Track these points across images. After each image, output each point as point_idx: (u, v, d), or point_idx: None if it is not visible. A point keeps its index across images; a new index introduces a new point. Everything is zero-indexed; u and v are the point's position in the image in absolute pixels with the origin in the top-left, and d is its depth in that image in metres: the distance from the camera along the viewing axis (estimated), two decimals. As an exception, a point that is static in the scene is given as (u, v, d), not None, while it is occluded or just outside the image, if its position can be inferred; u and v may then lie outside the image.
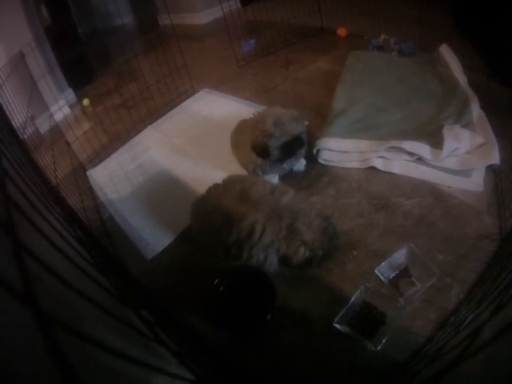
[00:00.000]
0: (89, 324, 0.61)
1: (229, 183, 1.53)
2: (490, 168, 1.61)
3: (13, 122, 1.76)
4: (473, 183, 1.55)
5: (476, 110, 1.82)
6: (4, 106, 1.77)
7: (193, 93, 3.06)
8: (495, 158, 1.59)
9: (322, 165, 1.88)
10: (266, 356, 1.20)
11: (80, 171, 2.39)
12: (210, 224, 1.41)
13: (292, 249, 1.27)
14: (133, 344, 0.71)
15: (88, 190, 2.24)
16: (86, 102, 3.69)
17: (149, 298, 1.39)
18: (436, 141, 1.69)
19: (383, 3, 3.24)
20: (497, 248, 1.27)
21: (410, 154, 1.71)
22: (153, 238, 1.79)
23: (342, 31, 3.04)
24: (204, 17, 4.62)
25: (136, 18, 6.25)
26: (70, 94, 3.73)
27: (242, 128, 2.02)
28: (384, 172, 1.73)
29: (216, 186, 1.56)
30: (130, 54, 3.23)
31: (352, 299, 1.20)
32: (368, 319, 1.16)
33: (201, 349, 1.17)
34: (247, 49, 3.33)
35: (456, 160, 1.65)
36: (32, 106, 2.42)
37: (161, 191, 2.10)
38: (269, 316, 1.20)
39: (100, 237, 1.75)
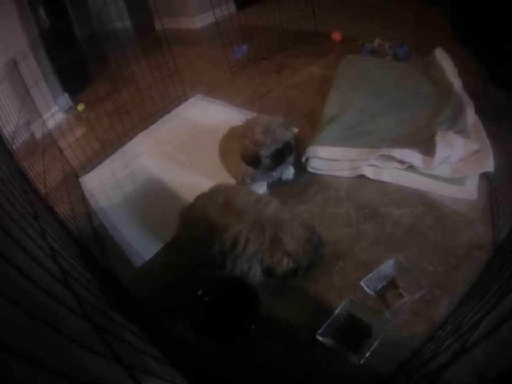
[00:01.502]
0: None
1: (214, 192, 1.53)
2: (485, 176, 1.58)
3: (5, 130, 1.77)
4: (467, 191, 1.52)
5: (470, 116, 1.80)
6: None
7: (186, 99, 3.05)
8: (489, 165, 1.56)
9: (312, 173, 1.86)
10: (251, 365, 1.20)
11: (72, 178, 2.40)
12: (196, 234, 1.42)
13: (275, 260, 1.27)
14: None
15: (80, 197, 2.25)
16: (80, 107, 3.68)
17: (137, 307, 1.42)
18: (428, 148, 1.66)
19: (379, 5, 3.26)
20: (489, 259, 1.24)
21: (401, 162, 1.69)
22: (142, 246, 1.80)
23: (336, 35, 3.03)
24: (198, 21, 4.62)
25: (133, 23, 6.27)
26: (66, 99, 3.72)
27: (230, 136, 2.00)
28: (374, 180, 1.71)
29: (202, 195, 1.55)
30: (125, 59, 3.23)
31: (337, 311, 1.18)
32: (353, 332, 1.15)
33: (187, 358, 1.18)
34: (239, 54, 3.33)
35: (449, 167, 1.62)
36: (26, 112, 2.43)
37: (151, 199, 2.11)
38: (253, 326, 1.21)
39: (90, 244, 1.76)
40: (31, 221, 0.76)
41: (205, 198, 1.51)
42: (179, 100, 3.02)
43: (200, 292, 1.35)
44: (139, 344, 0.84)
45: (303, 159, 1.88)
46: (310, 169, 1.87)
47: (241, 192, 1.46)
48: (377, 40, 2.56)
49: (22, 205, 0.80)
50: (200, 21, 4.59)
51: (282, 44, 3.25)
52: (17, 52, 2.48)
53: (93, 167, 2.52)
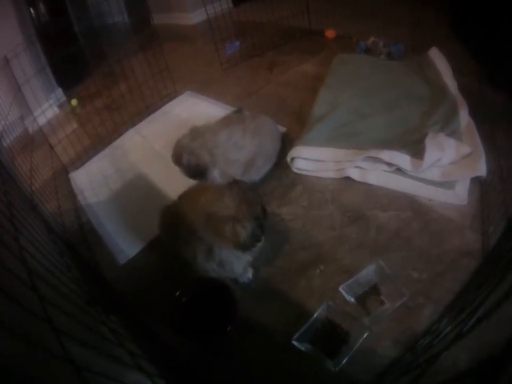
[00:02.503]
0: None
1: (194, 191, 1.46)
2: (476, 180, 1.53)
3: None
4: (457, 196, 1.47)
5: (464, 117, 1.75)
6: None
7: (176, 96, 3.01)
8: (481, 169, 1.51)
9: (296, 173, 1.82)
10: (228, 367, 1.19)
11: (62, 174, 2.41)
12: (176, 233, 1.36)
13: (230, 234, 1.20)
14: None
15: (68, 193, 2.26)
16: (74, 102, 3.67)
17: (121, 303, 1.48)
18: (417, 150, 1.61)
19: (376, 5, 3.22)
20: (477, 267, 1.18)
21: (389, 164, 1.63)
22: (126, 244, 1.81)
23: (330, 33, 2.98)
24: (194, 17, 4.56)
25: (131, 17, 6.23)
26: (59, 94, 3.70)
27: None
28: (360, 182, 1.66)
29: (184, 194, 1.50)
30: (119, 54, 3.20)
31: (314, 316, 1.15)
32: (331, 338, 1.12)
33: (165, 357, 1.22)
34: (231, 51, 3.28)
35: (439, 171, 1.57)
36: (20, 107, 2.44)
37: (137, 196, 2.11)
38: (229, 327, 1.22)
39: (76, 241, 1.80)
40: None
41: (186, 196, 1.46)
42: (169, 97, 3.00)
43: (178, 293, 1.35)
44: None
45: (288, 159, 1.83)
46: (294, 170, 1.82)
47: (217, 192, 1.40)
48: (371, 38, 2.51)
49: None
50: (196, 17, 4.53)
51: (275, 41, 3.21)
52: (11, 46, 2.45)
53: (83, 163, 2.51)
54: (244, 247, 1.21)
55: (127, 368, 0.75)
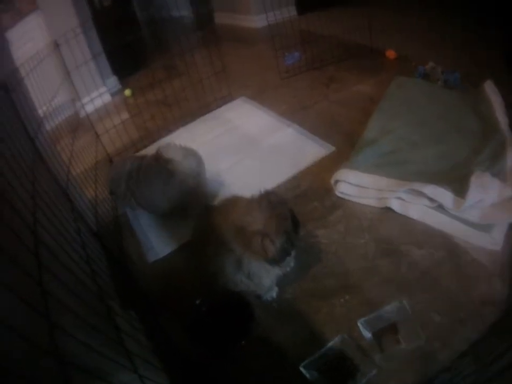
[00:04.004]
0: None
1: (227, 203, 1.54)
2: (515, 225, 1.55)
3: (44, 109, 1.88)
4: (492, 240, 1.50)
5: (511, 158, 1.76)
6: (34, 95, 1.89)
7: (230, 100, 3.12)
8: (522, 214, 1.53)
9: (339, 197, 1.89)
10: (236, 379, 1.28)
11: (106, 163, 2.53)
12: (207, 242, 1.43)
13: (259, 248, 1.27)
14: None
15: None
16: (127, 92, 3.83)
17: (143, 301, 1.57)
18: (460, 188, 1.64)
19: (437, 28, 3.21)
20: (497, 319, 1.22)
21: (431, 200, 1.67)
22: (159, 243, 1.92)
23: (390, 54, 3.01)
24: (258, 21, 4.65)
25: (194, 13, 6.41)
26: (113, 82, 3.93)
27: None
28: (399, 214, 1.71)
29: (219, 205, 1.57)
30: (179, 49, 3.35)
31: (327, 346, 1.22)
32: (339, 370, 1.18)
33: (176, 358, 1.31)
34: (290, 62, 3.36)
35: (479, 212, 1.60)
36: (71, 91, 2.55)
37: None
38: (243, 342, 1.33)
39: (108, 232, 1.89)
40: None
41: (219, 207, 1.54)
42: (224, 100, 3.11)
43: (198, 301, 1.46)
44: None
45: (332, 182, 1.90)
46: (337, 193, 1.89)
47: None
48: (430, 63, 2.53)
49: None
50: (260, 20, 4.63)
51: (336, 56, 3.26)
52: (65, 29, 2.60)
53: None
54: (273, 261, 1.28)
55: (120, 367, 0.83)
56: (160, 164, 1.90)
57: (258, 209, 1.31)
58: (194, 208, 1.84)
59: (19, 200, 0.92)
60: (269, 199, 1.34)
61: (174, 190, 1.90)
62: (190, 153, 2.01)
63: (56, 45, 2.38)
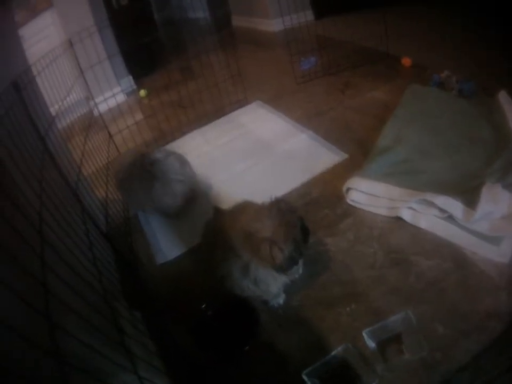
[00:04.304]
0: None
1: (238, 209, 1.57)
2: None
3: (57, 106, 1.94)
4: (500, 252, 1.51)
5: (523, 169, 1.77)
6: (46, 93, 1.95)
7: (245, 104, 3.17)
8: (532, 228, 1.54)
9: (350, 204, 1.91)
10: (240, 383, 1.33)
11: None
12: (215, 247, 1.47)
13: (267, 256, 1.29)
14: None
15: None
16: (142, 93, 3.91)
17: (150, 303, 1.62)
18: (471, 199, 1.65)
19: (453, 37, 3.21)
20: (502, 331, 1.24)
21: (442, 210, 1.69)
22: (167, 245, 1.97)
23: (406, 61, 3.01)
24: (275, 24, 4.68)
25: (211, 15, 6.48)
26: (128, 82, 4.01)
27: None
28: (410, 224, 1.73)
29: (230, 210, 1.60)
30: (196, 51, 3.40)
31: (331, 354, 1.24)
32: (341, 378, 1.20)
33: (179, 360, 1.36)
34: (306, 67, 3.40)
35: (488, 224, 1.61)
36: (85, 90, 2.61)
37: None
38: (247, 347, 1.37)
39: (118, 233, 1.95)
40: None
41: (229, 213, 1.57)
42: (239, 104, 3.17)
43: (204, 305, 1.51)
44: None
45: (344, 189, 1.93)
46: (349, 201, 1.92)
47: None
48: (445, 72, 2.54)
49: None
50: (278, 24, 4.67)
51: (352, 61, 3.28)
52: (83, 28, 2.67)
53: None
54: (281, 269, 1.31)
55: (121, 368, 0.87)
56: (144, 166, 2.01)
57: (268, 216, 1.34)
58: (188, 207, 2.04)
59: (24, 198, 0.97)
60: (279, 207, 1.37)
61: (157, 190, 2.00)
62: (172, 154, 2.12)
63: (70, 44, 2.44)
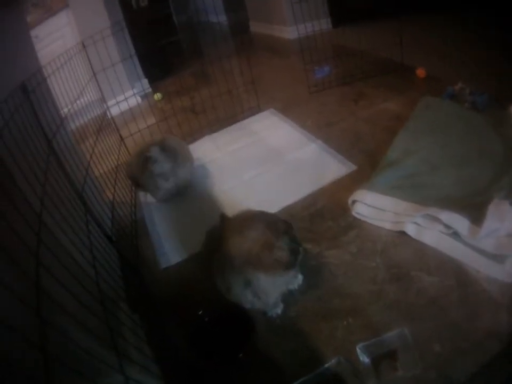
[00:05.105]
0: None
1: (238, 217, 1.59)
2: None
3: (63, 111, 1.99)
4: (503, 271, 1.50)
5: (531, 186, 1.76)
6: (57, 95, 2.00)
7: (258, 111, 3.20)
8: (538, 247, 1.53)
9: (355, 217, 1.92)
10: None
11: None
12: (214, 257, 1.50)
13: (272, 260, 1.35)
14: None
15: (129, 187, 2.50)
16: (157, 96, 3.95)
17: (151, 306, 1.66)
18: (477, 215, 1.64)
19: (469, 49, 3.20)
20: (500, 352, 1.24)
21: (447, 226, 1.69)
22: (172, 249, 2.01)
23: (421, 72, 3.01)
24: (292, 31, 4.70)
25: (229, 20, 6.54)
26: (144, 85, 4.02)
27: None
28: (413, 239, 1.73)
29: (232, 218, 1.61)
30: (212, 56, 3.45)
31: (323, 367, 1.26)
32: None
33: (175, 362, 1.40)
34: (320, 75, 3.42)
35: (494, 242, 1.60)
36: (99, 91, 2.67)
37: (195, 205, 2.33)
38: (241, 354, 1.37)
39: (122, 236, 2.00)
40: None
41: (232, 222, 1.57)
42: (251, 111, 3.21)
43: (201, 312, 1.55)
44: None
45: (349, 202, 1.94)
46: (354, 214, 1.93)
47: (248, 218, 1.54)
48: (459, 84, 2.54)
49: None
50: (295, 31, 4.72)
51: (366, 71, 3.29)
52: (99, 29, 2.73)
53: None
54: (290, 265, 1.37)
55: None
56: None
57: (250, 227, 1.42)
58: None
59: (24, 199, 1.00)
60: (252, 215, 1.50)
61: (144, 181, 2.31)
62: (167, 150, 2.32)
63: (83, 46, 2.50)
